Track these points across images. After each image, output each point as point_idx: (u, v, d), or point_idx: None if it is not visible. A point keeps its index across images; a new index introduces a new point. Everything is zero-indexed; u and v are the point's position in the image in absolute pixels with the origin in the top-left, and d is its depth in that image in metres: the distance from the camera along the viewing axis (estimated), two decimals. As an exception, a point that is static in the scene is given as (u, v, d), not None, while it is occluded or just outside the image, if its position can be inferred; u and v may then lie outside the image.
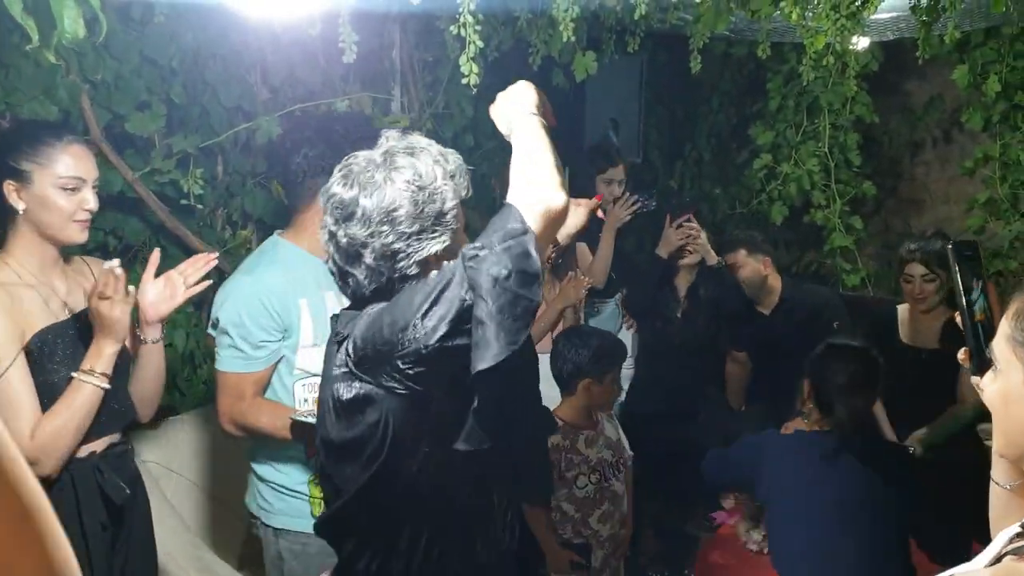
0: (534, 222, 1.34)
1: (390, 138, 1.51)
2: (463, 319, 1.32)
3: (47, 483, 1.86)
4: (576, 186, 3.94)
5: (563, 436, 2.66)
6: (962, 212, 4.45)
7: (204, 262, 2.04)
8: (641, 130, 4.10)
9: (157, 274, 2.02)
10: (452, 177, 1.49)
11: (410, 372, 1.38)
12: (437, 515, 1.51)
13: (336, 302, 2.27)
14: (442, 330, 1.33)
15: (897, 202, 4.99)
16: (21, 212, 1.85)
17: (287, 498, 2.19)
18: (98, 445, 1.96)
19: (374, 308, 1.47)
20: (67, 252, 1.98)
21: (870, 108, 4.33)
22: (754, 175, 4.49)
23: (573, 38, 2.11)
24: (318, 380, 2.22)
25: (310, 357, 2.18)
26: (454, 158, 1.52)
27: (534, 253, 1.32)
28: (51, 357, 1.87)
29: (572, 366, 2.69)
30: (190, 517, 2.66)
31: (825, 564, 2.30)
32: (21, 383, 1.81)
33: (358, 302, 1.53)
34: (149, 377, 2.06)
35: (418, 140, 1.51)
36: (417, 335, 1.34)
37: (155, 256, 2.03)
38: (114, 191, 2.54)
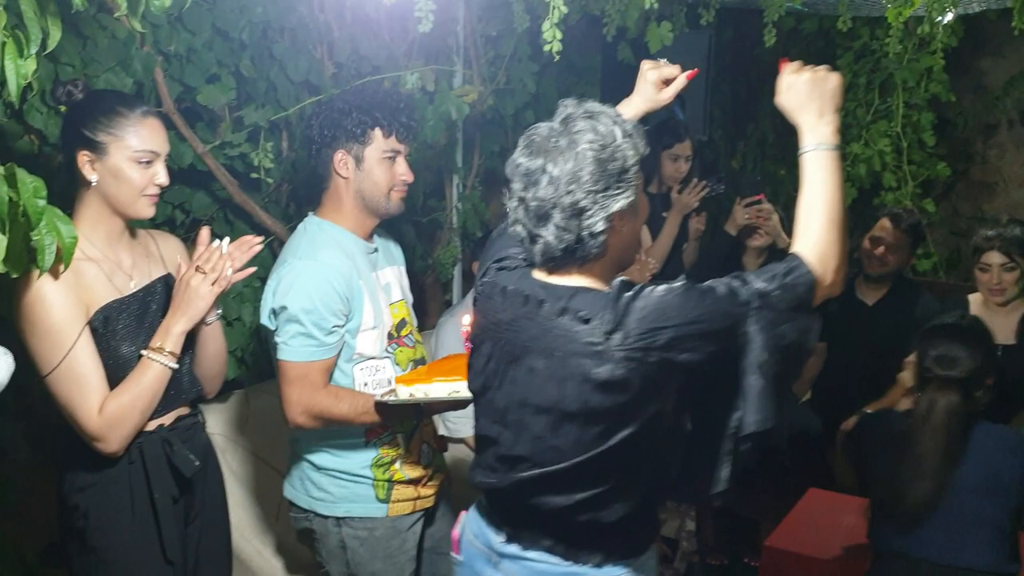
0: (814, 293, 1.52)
1: (568, 105, 1.56)
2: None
3: (113, 459, 1.86)
4: (640, 167, 3.89)
5: None
6: (1037, 197, 4.30)
7: (249, 246, 1.97)
8: (707, 107, 4.00)
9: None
10: (630, 136, 1.53)
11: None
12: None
13: (376, 283, 2.23)
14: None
15: (967, 186, 4.84)
16: (94, 184, 1.83)
17: (350, 484, 2.14)
18: (167, 419, 1.95)
19: (651, 294, 1.50)
20: (133, 226, 1.96)
21: (947, 86, 4.18)
22: (822, 155, 4.36)
23: (656, 4, 2.04)
24: (374, 363, 2.20)
25: (368, 340, 2.14)
26: (630, 120, 1.57)
27: (813, 332, 1.52)
28: (115, 332, 1.85)
29: None
30: (254, 489, 2.68)
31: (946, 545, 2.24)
32: (87, 359, 1.80)
33: (550, 265, 1.57)
34: (210, 356, 2.03)
35: (593, 105, 1.56)
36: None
37: (205, 234, 1.96)
38: (184, 164, 2.54)
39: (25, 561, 2.36)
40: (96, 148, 1.82)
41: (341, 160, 2.13)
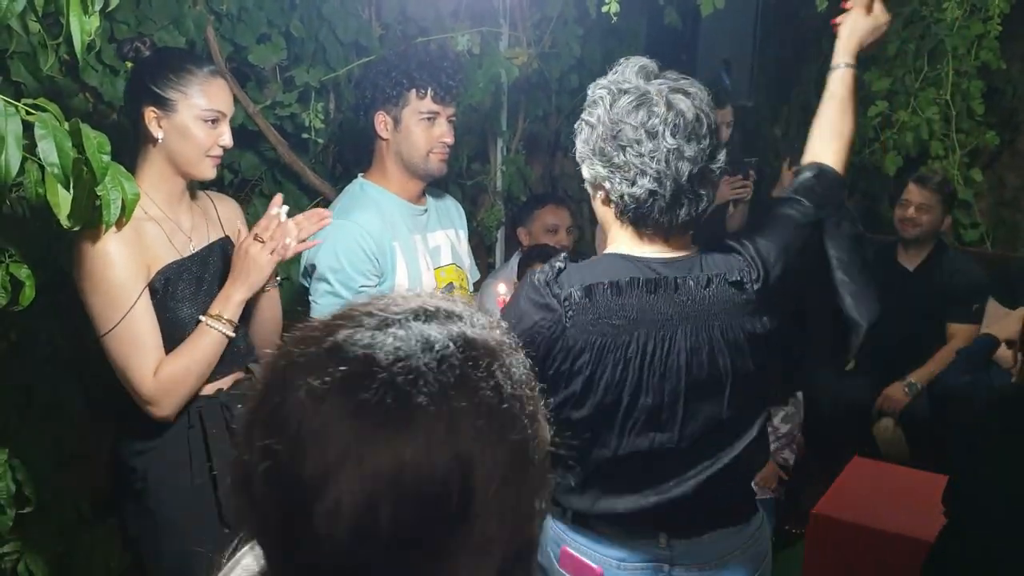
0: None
1: (632, 63, 1.49)
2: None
3: (172, 423, 1.86)
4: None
5: None
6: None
7: (319, 218, 1.95)
8: (753, 72, 3.95)
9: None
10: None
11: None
12: None
13: (423, 246, 2.23)
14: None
15: (1013, 155, 4.74)
16: (160, 140, 1.83)
17: None
18: (225, 382, 1.96)
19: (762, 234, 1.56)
20: (192, 187, 1.96)
21: (997, 54, 4.09)
22: (868, 122, 4.30)
23: (714, -33, 2.00)
24: None
25: None
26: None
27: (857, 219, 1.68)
28: (173, 294, 1.85)
29: None
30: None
31: None
32: (146, 320, 1.78)
33: (674, 231, 1.51)
34: (266, 321, 2.03)
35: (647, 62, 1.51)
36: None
37: (278, 198, 1.95)
38: (235, 124, 2.53)
39: (80, 513, 2.41)
40: (164, 104, 1.81)
41: (381, 121, 2.15)
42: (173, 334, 1.84)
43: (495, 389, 0.72)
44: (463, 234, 2.38)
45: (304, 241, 1.93)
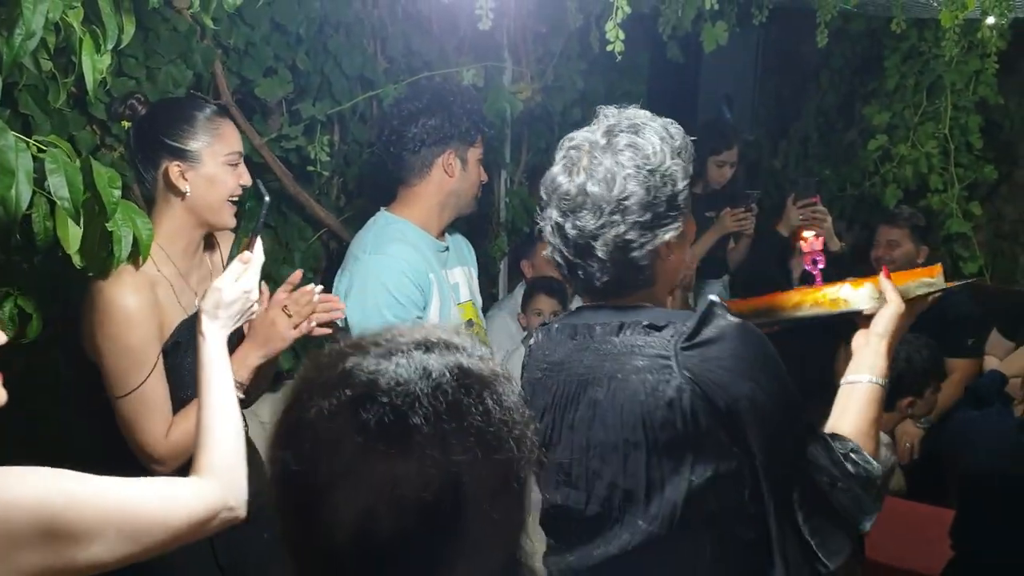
0: None
1: (609, 116, 1.40)
2: None
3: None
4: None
5: None
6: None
7: (333, 305, 1.90)
8: (755, 106, 3.99)
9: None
10: (679, 154, 1.38)
11: None
12: None
13: (446, 281, 2.23)
14: None
15: (1011, 188, 4.77)
16: (188, 194, 1.77)
17: None
18: None
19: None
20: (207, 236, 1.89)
21: (994, 89, 4.13)
22: (868, 156, 4.33)
23: (716, 4, 2.03)
24: None
25: None
26: (677, 131, 1.41)
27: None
28: (183, 353, 1.80)
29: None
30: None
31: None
32: (160, 382, 1.74)
33: (592, 294, 1.45)
34: (260, 379, 1.94)
35: (637, 115, 1.40)
36: None
37: (297, 276, 1.89)
38: (241, 157, 2.56)
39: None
40: (187, 157, 1.76)
41: (449, 161, 2.18)
42: (180, 390, 1.79)
43: (484, 414, 0.81)
44: (474, 271, 2.40)
45: (321, 325, 1.87)
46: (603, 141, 1.37)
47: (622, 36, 2.02)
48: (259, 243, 1.69)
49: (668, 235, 1.37)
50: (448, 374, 0.82)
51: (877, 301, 1.56)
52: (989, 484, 2.44)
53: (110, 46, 1.62)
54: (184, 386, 1.80)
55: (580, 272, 1.41)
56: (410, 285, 2.07)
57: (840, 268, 3.34)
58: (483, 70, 3.11)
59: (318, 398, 0.82)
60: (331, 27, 2.76)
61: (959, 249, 4.35)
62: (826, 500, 1.36)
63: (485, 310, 3.32)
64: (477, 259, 3.49)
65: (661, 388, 1.31)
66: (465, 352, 0.86)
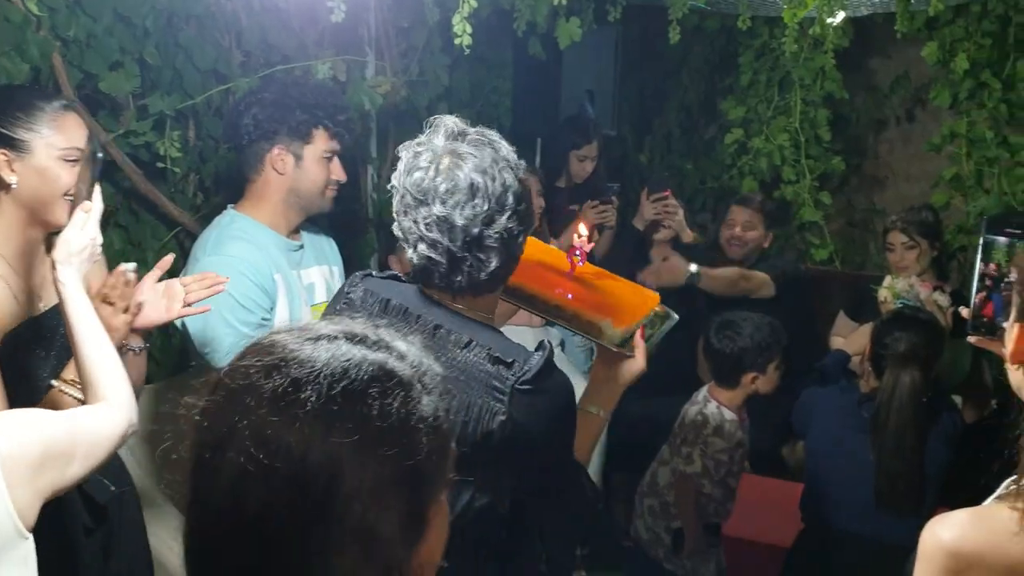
0: None
1: (438, 127, 1.42)
2: None
3: None
4: (549, 162, 3.96)
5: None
6: (922, 190, 4.54)
7: (212, 282, 1.85)
8: (615, 102, 4.09)
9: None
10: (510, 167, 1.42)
11: None
12: None
13: (298, 281, 2.18)
14: None
15: (860, 179, 5.07)
16: (13, 186, 1.69)
17: None
18: None
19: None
20: (47, 236, 1.81)
21: (840, 84, 4.38)
22: (725, 149, 4.51)
23: (565, 2, 2.08)
24: None
25: None
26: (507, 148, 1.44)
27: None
28: (22, 358, 1.71)
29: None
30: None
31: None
32: None
33: (453, 290, 1.45)
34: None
35: (485, 133, 1.43)
36: None
37: (167, 260, 1.83)
38: (87, 154, 2.46)
39: None
40: (16, 146, 1.69)
41: (279, 156, 2.11)
42: (23, 399, 1.65)
43: (382, 409, 0.83)
44: (337, 270, 2.35)
45: (188, 306, 1.82)
46: (456, 143, 1.39)
47: (469, 30, 2.03)
48: (98, 190, 1.69)
49: (529, 231, 1.43)
50: (363, 366, 0.84)
51: (626, 347, 1.62)
52: (834, 457, 2.59)
53: (-77, 34, 1.53)
54: (35, 393, 1.71)
55: (466, 265, 1.40)
56: (251, 286, 2.00)
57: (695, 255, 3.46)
58: (344, 64, 3.08)
59: (241, 362, 0.86)
60: (181, 19, 2.68)
61: (811, 237, 4.59)
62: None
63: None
64: (347, 257, 3.48)
65: (486, 416, 1.35)
66: (399, 356, 0.88)
